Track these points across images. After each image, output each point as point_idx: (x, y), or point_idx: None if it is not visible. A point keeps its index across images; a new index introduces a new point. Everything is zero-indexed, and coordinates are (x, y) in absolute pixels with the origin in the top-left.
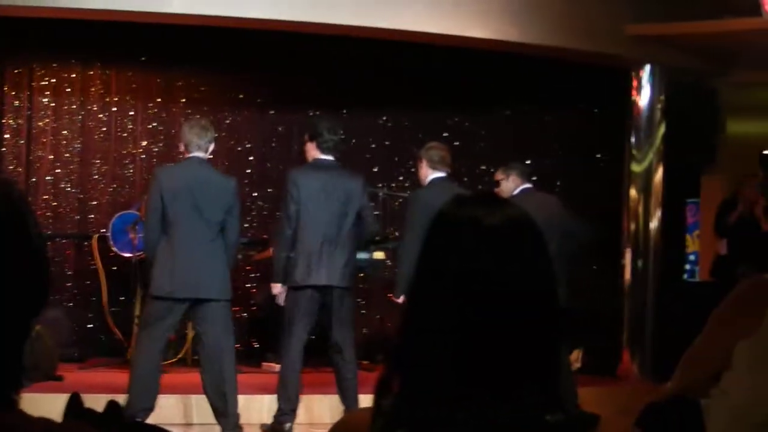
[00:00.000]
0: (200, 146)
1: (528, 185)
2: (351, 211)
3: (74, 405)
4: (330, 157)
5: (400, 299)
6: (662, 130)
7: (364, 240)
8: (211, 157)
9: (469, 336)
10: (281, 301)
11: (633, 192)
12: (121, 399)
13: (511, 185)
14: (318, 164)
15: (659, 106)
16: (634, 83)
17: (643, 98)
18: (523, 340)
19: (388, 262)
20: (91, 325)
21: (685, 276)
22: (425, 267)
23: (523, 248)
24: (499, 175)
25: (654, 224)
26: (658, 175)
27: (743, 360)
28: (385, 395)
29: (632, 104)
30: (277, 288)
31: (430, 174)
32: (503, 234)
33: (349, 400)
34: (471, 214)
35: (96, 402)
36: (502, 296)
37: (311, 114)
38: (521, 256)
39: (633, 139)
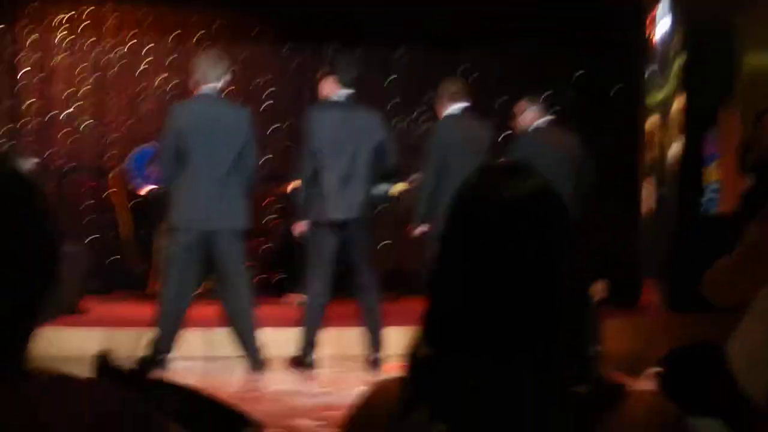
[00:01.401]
0: (214, 78)
1: (547, 118)
2: (369, 146)
3: (101, 364)
4: (348, 91)
5: (417, 231)
6: (680, 60)
7: (387, 172)
8: (227, 89)
9: (491, 304)
10: (301, 236)
11: (651, 121)
12: (147, 334)
13: (529, 119)
14: (336, 101)
15: (678, 38)
16: (652, 14)
17: (661, 29)
18: (547, 312)
19: (410, 192)
20: (112, 258)
21: (704, 207)
22: (448, 240)
23: (546, 223)
24: (520, 106)
25: (674, 152)
26: (677, 104)
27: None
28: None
29: (649, 35)
30: (300, 225)
31: (450, 106)
32: (525, 208)
33: (373, 331)
34: (493, 186)
35: (121, 337)
36: (521, 272)
37: (327, 48)
38: (543, 231)
39: (652, 69)
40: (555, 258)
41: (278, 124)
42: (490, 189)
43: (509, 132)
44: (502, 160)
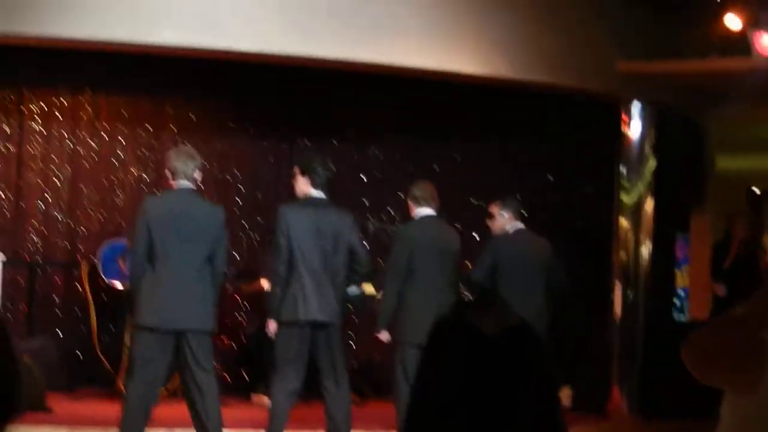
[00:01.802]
0: (186, 174)
1: (521, 225)
2: (342, 247)
3: None
4: (321, 194)
5: (381, 335)
6: (652, 163)
7: (357, 277)
8: (201, 186)
9: (466, 427)
10: (273, 334)
11: (623, 223)
12: None
13: (505, 221)
14: (309, 200)
15: (649, 140)
16: (624, 117)
17: (633, 132)
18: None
19: (378, 296)
20: (80, 355)
21: (674, 311)
22: (425, 372)
23: (522, 357)
24: (493, 209)
25: (644, 256)
26: (648, 206)
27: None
28: None
29: (622, 137)
30: (273, 324)
31: (416, 211)
32: (502, 343)
33: None
34: (471, 322)
35: None
36: (501, 404)
37: (302, 144)
38: (520, 365)
39: (623, 171)
40: (530, 387)
41: (252, 220)
42: (469, 323)
43: (479, 232)
44: (479, 295)
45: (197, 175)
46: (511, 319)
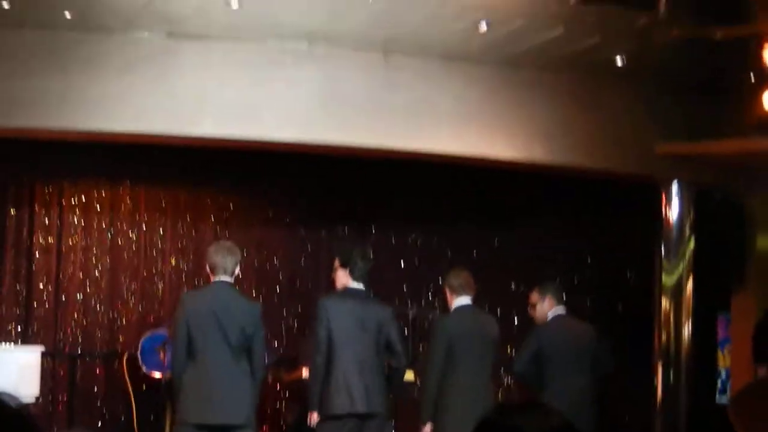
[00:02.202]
0: (225, 269)
1: (562, 310)
2: (382, 339)
3: None
4: (361, 285)
5: (426, 428)
6: (692, 244)
7: (396, 371)
8: (239, 275)
9: None
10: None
11: (664, 303)
12: None
13: (546, 307)
14: (349, 292)
15: (689, 220)
16: (663, 199)
17: (673, 213)
18: None
19: (418, 384)
20: None
21: (717, 392)
22: None
23: None
24: (534, 297)
25: (685, 337)
26: (689, 287)
27: None
28: None
29: (662, 219)
30: (314, 416)
31: (454, 301)
32: None
33: None
34: (514, 423)
35: None
36: None
37: (340, 232)
38: None
39: (663, 252)
40: None
41: (291, 308)
42: (511, 424)
43: (519, 317)
44: (522, 399)
45: (236, 269)
46: (554, 419)
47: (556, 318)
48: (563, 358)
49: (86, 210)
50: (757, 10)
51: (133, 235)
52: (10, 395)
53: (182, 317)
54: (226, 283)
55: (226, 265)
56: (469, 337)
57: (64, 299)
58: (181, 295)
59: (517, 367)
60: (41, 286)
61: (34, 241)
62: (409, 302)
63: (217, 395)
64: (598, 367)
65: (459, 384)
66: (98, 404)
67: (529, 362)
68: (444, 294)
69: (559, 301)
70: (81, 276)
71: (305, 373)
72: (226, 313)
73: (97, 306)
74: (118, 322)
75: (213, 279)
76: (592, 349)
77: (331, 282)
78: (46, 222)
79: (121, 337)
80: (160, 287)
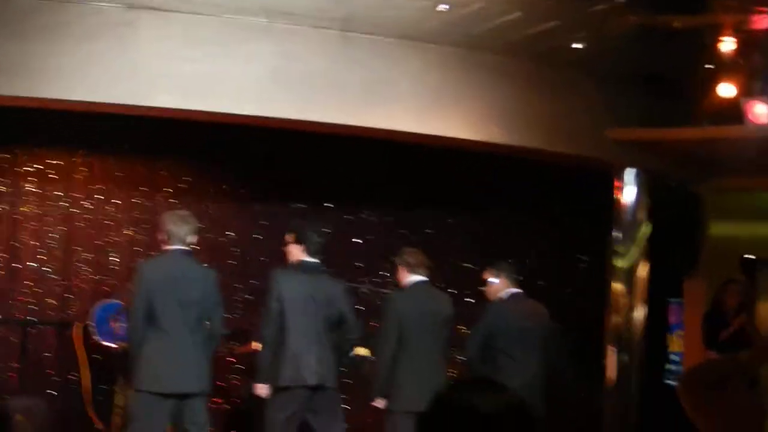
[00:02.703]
0: (180, 238)
1: (517, 290)
2: (334, 313)
3: None
4: (315, 260)
5: (377, 402)
6: (645, 229)
7: (347, 345)
8: (194, 248)
9: None
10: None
11: (617, 287)
12: None
13: (500, 287)
14: (303, 266)
15: (643, 206)
16: (617, 184)
17: (626, 198)
18: None
19: (372, 358)
20: (73, 415)
21: (668, 376)
22: None
23: None
24: (487, 275)
25: (638, 322)
26: (642, 272)
27: None
28: None
29: (616, 204)
30: (263, 388)
31: (408, 277)
32: (499, 421)
33: None
34: (467, 400)
35: None
36: None
37: (295, 207)
38: None
39: (616, 236)
40: None
41: (244, 282)
42: (466, 402)
43: (473, 299)
44: (475, 375)
45: (192, 238)
46: (508, 397)
47: (509, 296)
48: (516, 335)
49: (41, 178)
50: (714, 0)
51: (87, 205)
52: None
53: (140, 286)
54: (183, 251)
55: (181, 234)
56: (422, 313)
57: (17, 267)
58: (137, 264)
59: (470, 352)
60: None
61: None
62: (363, 279)
63: (176, 364)
64: (549, 350)
65: (411, 359)
66: (51, 373)
67: (480, 345)
68: (396, 271)
69: (514, 282)
70: (35, 244)
71: (257, 346)
72: (183, 280)
73: (51, 275)
74: (71, 291)
75: (168, 247)
76: (546, 330)
77: (285, 256)
78: (1, 190)
79: (74, 306)
80: (114, 258)
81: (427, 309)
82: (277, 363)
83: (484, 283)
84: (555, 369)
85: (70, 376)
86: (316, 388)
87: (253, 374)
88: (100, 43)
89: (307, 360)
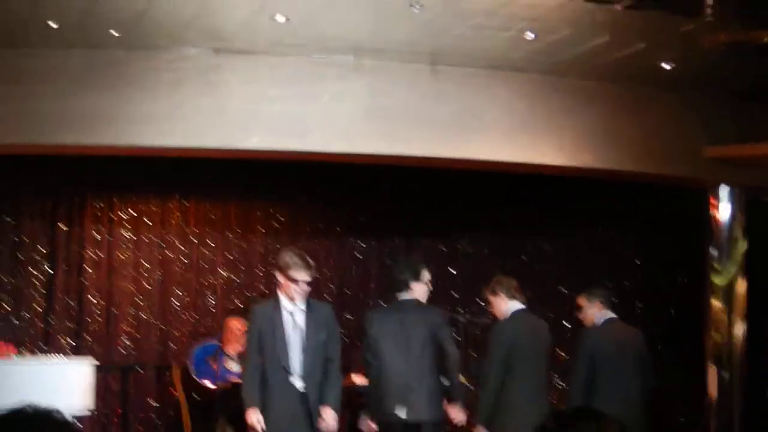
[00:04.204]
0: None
1: (612, 315)
2: (433, 344)
3: None
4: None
5: (479, 430)
6: (742, 245)
7: (448, 375)
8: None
9: None
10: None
11: (715, 305)
12: None
13: (594, 312)
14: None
15: (739, 222)
16: (712, 201)
17: (722, 215)
18: None
19: (471, 387)
20: None
21: None
22: None
23: None
24: (582, 301)
25: (738, 337)
26: (741, 287)
27: None
28: None
29: (711, 222)
30: (368, 423)
31: (508, 305)
32: None
33: None
34: (571, 430)
35: None
36: None
37: (389, 241)
38: None
39: (714, 254)
40: None
41: (340, 317)
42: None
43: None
44: (576, 407)
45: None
46: (611, 427)
47: (606, 322)
48: (614, 362)
49: (136, 224)
50: None
51: (183, 248)
52: (58, 411)
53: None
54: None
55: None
56: (526, 341)
57: (115, 313)
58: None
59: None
60: (93, 300)
61: (85, 255)
62: (460, 309)
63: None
64: (647, 374)
65: (518, 388)
66: (151, 415)
67: (584, 372)
68: (493, 302)
69: (609, 306)
70: (132, 289)
71: (356, 379)
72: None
73: (149, 319)
74: (170, 335)
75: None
76: (643, 354)
77: (380, 291)
78: (97, 237)
79: (172, 348)
80: (210, 299)
81: (530, 336)
82: (379, 397)
83: (578, 309)
84: (655, 392)
85: (171, 418)
86: (420, 424)
87: (350, 407)
88: (190, 89)
89: (408, 394)
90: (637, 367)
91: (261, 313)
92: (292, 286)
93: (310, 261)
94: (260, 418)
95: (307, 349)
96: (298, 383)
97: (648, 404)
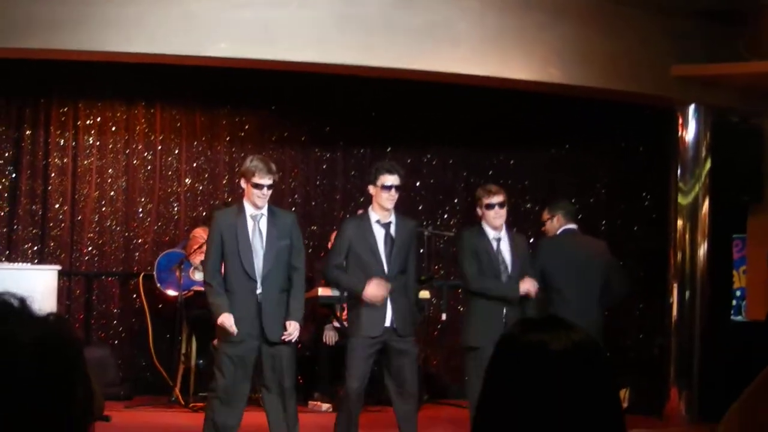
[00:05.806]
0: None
1: (573, 226)
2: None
3: None
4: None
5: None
6: (708, 166)
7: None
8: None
9: None
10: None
11: (679, 224)
12: None
13: (555, 225)
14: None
15: (705, 143)
16: (680, 121)
17: (689, 135)
18: None
19: (433, 301)
20: (137, 364)
21: (732, 312)
22: (492, 389)
23: (589, 373)
24: (545, 215)
25: (701, 257)
26: (704, 208)
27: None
28: None
29: (677, 141)
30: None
31: (564, 225)
32: (569, 359)
33: None
34: (537, 338)
35: None
36: (567, 421)
37: (356, 152)
38: (587, 381)
39: (679, 173)
40: (595, 401)
41: (306, 228)
42: (534, 341)
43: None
44: (545, 315)
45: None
46: (577, 335)
47: (564, 233)
48: (569, 271)
49: (101, 130)
50: None
51: (148, 156)
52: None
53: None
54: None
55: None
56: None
57: (80, 219)
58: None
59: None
60: (57, 207)
61: (50, 161)
62: (425, 222)
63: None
64: (611, 285)
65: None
66: (115, 323)
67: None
68: (548, 219)
69: (570, 219)
70: (97, 196)
71: (320, 291)
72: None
73: (113, 226)
74: (134, 242)
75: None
76: (604, 264)
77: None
78: (62, 143)
79: (136, 256)
80: (175, 208)
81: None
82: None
83: (543, 223)
84: (618, 299)
85: (134, 326)
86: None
87: (315, 320)
88: None
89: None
90: (597, 276)
91: (223, 218)
92: (255, 191)
93: (273, 166)
94: (233, 322)
95: (268, 255)
96: (259, 289)
97: (603, 316)
